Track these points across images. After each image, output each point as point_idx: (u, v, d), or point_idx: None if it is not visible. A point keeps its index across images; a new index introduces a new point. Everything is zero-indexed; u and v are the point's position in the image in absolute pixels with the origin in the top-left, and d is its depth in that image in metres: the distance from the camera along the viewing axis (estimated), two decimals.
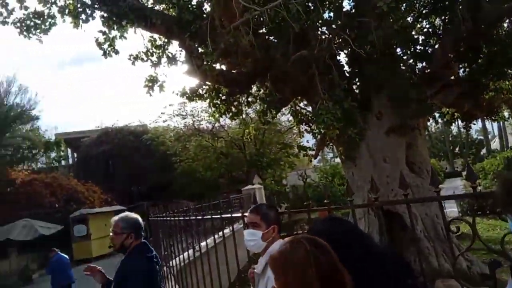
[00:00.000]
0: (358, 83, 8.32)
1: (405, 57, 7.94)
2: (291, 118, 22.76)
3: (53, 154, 28.11)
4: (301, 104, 10.17)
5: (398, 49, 7.86)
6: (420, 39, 8.26)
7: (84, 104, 63.51)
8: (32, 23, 8.73)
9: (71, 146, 29.89)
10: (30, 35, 8.80)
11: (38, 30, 8.80)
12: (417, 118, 7.62)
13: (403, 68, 7.73)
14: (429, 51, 7.99)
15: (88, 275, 2.96)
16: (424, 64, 8.17)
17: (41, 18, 8.74)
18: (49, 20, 8.82)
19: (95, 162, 26.85)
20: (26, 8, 8.55)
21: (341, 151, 8.01)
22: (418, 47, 8.07)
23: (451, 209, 13.79)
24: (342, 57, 10.01)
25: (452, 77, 8.37)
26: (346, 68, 8.33)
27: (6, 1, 8.48)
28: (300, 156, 23.30)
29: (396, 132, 7.35)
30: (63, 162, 30.29)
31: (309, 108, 9.45)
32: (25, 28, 8.68)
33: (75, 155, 31.24)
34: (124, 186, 26.41)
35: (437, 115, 8.85)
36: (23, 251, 17.67)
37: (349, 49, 7.60)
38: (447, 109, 9.83)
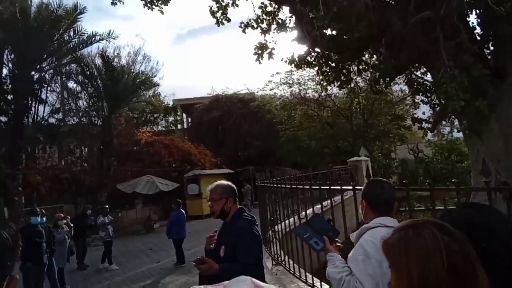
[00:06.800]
0: (491, 47, 7.22)
1: None
2: (404, 87, 21.23)
3: (170, 118, 30.63)
4: (418, 73, 9.30)
5: None
6: None
7: (197, 72, 67.77)
8: None
9: (186, 111, 32.28)
10: (153, 6, 9.49)
11: (160, 1, 9.42)
12: None
13: None
14: None
15: (196, 266, 2.70)
16: None
17: None
18: None
19: (206, 127, 28.67)
20: None
21: (465, 125, 7.15)
22: None
23: None
24: (473, 18, 8.80)
25: None
26: (478, 30, 7.28)
27: None
28: (413, 128, 21.73)
29: None
30: (179, 126, 32.86)
31: (428, 77, 8.59)
32: (149, 0, 9.36)
33: (189, 120, 33.73)
34: (232, 151, 27.85)
35: None
36: (146, 203, 20.06)
37: (483, 7, 6.59)
38: None
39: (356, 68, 9.73)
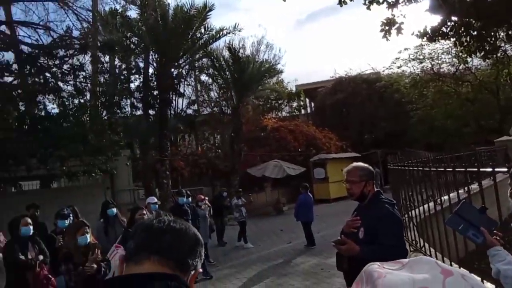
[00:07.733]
0: None
1: None
2: None
3: (294, 104, 31.05)
4: None
5: None
6: None
7: (319, 56, 66.99)
8: None
9: (309, 96, 32.35)
10: None
11: None
12: None
13: None
14: None
15: (335, 246, 2.78)
16: None
17: None
18: None
19: (330, 110, 28.28)
20: None
21: None
22: None
23: None
24: None
25: None
26: None
27: None
28: None
29: None
30: (302, 111, 33.14)
31: None
32: None
33: (312, 104, 33.76)
34: (357, 134, 27.03)
35: None
36: (275, 186, 20.94)
37: None
38: None
39: (504, 34, 8.54)
